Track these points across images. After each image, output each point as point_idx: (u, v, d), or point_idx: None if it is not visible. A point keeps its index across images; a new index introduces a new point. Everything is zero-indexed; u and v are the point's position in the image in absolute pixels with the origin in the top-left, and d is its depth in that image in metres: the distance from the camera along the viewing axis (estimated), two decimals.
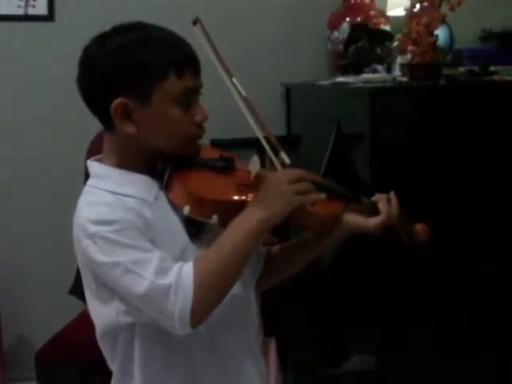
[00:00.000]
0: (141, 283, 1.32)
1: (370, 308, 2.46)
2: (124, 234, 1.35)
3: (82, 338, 2.63)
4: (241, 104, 1.50)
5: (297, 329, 3.03)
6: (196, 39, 1.48)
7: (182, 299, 1.31)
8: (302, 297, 2.80)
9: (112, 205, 1.39)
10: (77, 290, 2.53)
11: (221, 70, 1.50)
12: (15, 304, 3.30)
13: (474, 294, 2.47)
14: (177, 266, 1.35)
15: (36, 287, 3.35)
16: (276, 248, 1.68)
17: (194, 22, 1.49)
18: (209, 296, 1.35)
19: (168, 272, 1.33)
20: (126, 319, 1.41)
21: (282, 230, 1.48)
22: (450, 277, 2.45)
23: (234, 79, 1.50)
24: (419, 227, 1.67)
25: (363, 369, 2.54)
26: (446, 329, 2.45)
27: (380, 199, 1.58)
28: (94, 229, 1.35)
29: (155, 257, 1.34)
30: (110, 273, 1.36)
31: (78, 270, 2.29)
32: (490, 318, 2.49)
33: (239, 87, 1.50)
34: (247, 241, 1.38)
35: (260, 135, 1.51)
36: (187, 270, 1.34)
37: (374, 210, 1.57)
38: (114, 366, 1.50)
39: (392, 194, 1.60)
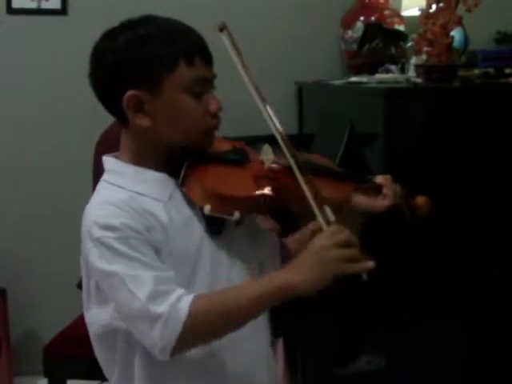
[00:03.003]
0: (133, 302, 1.30)
1: (379, 308, 2.45)
2: (126, 242, 1.32)
3: None
4: (277, 136, 1.42)
5: (305, 328, 3.02)
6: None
7: (169, 333, 1.29)
8: (310, 296, 2.78)
9: (122, 206, 1.36)
10: None
11: (252, 92, 1.43)
12: (23, 298, 3.29)
13: (483, 296, 2.46)
14: (175, 295, 1.31)
15: (45, 281, 3.34)
16: (289, 240, 1.66)
17: (221, 29, 1.43)
18: (194, 340, 1.34)
19: (164, 298, 1.30)
20: (121, 324, 1.39)
21: (289, 216, 1.46)
22: (459, 277, 2.44)
23: (268, 108, 1.43)
24: (421, 200, 1.66)
25: (372, 369, 2.54)
26: (456, 329, 2.44)
27: (380, 178, 1.60)
28: (98, 233, 1.34)
29: (150, 276, 1.30)
30: (105, 280, 1.35)
31: None
32: (498, 318, 2.48)
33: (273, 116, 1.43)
34: (263, 301, 1.35)
35: (303, 185, 1.39)
36: (184, 305, 1.30)
37: (378, 190, 1.58)
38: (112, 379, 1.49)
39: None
